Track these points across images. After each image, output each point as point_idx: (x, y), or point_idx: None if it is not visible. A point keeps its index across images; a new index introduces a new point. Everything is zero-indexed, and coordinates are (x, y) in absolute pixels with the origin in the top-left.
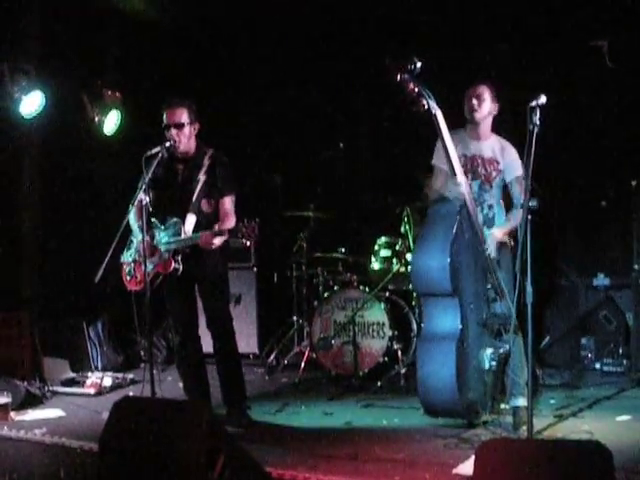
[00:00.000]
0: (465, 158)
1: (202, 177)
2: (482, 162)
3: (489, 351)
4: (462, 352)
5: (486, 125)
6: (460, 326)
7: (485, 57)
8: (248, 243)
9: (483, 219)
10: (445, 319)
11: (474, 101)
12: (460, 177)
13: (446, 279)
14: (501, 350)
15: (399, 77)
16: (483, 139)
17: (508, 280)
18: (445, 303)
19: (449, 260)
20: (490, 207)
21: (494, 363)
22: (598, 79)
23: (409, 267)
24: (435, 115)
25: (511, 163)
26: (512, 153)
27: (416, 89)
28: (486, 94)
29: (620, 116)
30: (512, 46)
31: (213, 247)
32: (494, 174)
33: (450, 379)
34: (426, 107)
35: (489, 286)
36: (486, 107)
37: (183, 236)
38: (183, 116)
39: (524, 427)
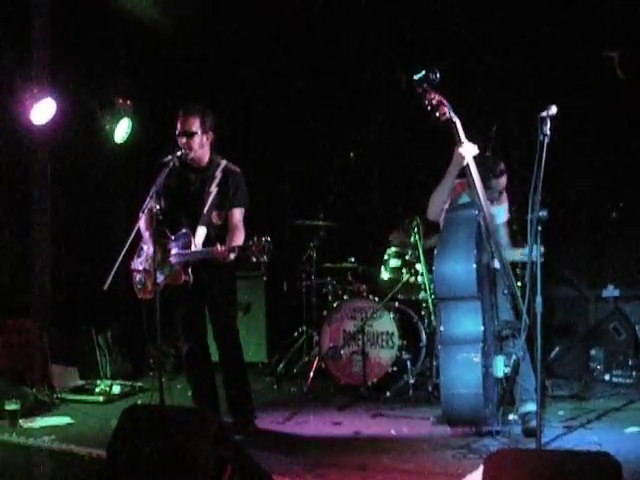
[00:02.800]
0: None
1: (214, 189)
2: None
3: (502, 358)
4: (485, 357)
5: None
6: (482, 329)
7: (496, 68)
8: (260, 261)
9: None
10: (467, 323)
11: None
12: (479, 186)
13: (472, 281)
14: (513, 357)
15: (419, 86)
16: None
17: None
18: (467, 307)
19: (475, 261)
20: None
21: (508, 370)
22: (609, 90)
23: (419, 277)
24: (455, 124)
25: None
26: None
27: (436, 98)
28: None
29: (631, 127)
30: (523, 57)
31: (228, 260)
32: (496, 194)
33: (476, 383)
34: (447, 116)
35: (506, 291)
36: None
37: (194, 249)
38: (195, 125)
39: (533, 422)
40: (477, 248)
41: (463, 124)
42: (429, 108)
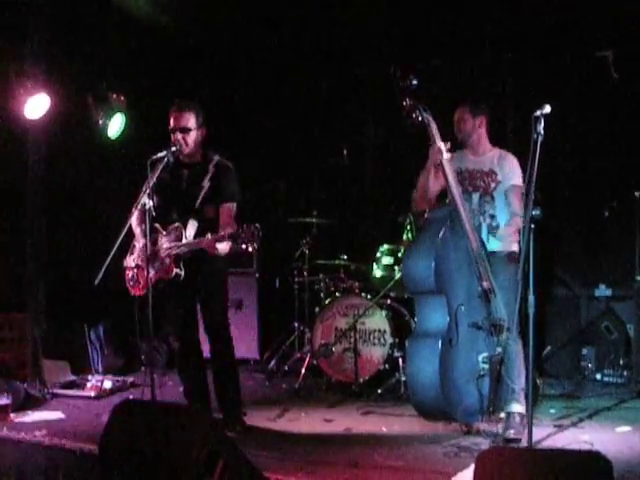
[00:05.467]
0: (468, 172)
1: (206, 184)
2: (481, 175)
3: (483, 355)
4: (448, 351)
5: (477, 141)
6: (446, 324)
7: (490, 67)
8: (250, 249)
9: (487, 228)
10: (432, 317)
11: (455, 127)
12: (454, 187)
13: (430, 276)
14: (495, 354)
15: (397, 92)
16: (481, 154)
17: (513, 288)
18: (433, 301)
19: (434, 257)
20: (492, 217)
21: (485, 366)
22: (603, 89)
23: None
24: (428, 127)
25: (508, 173)
26: (509, 163)
27: (409, 102)
28: (465, 114)
29: (625, 126)
30: (517, 56)
31: (216, 252)
32: (492, 185)
33: (433, 375)
34: (418, 120)
35: (479, 288)
36: (467, 126)
37: (184, 241)
38: (190, 121)
39: (512, 431)
40: (442, 244)
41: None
42: (403, 111)
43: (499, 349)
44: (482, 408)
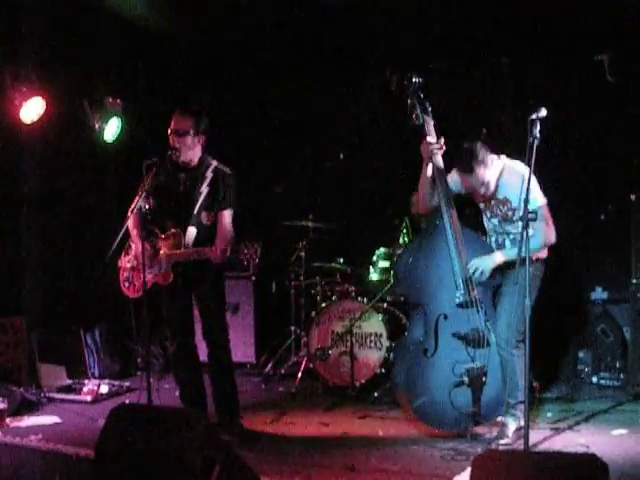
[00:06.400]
0: (484, 196)
1: (205, 189)
2: (497, 203)
3: (465, 366)
4: (421, 360)
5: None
6: (422, 334)
7: (486, 70)
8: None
9: (511, 242)
10: (413, 324)
11: (476, 185)
12: (441, 190)
13: (406, 287)
14: (477, 366)
15: (397, 91)
16: (495, 183)
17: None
18: (415, 311)
19: (408, 269)
20: (516, 234)
21: (466, 378)
22: (598, 93)
23: None
24: (425, 127)
25: (518, 199)
26: (515, 187)
27: (409, 102)
28: (482, 171)
29: (620, 130)
30: (513, 60)
31: (221, 261)
32: (510, 213)
33: (405, 382)
34: (417, 122)
35: (456, 300)
36: (487, 178)
37: (185, 249)
38: (188, 125)
39: (506, 439)
40: (421, 255)
41: (454, 127)
42: (407, 112)
43: (479, 362)
44: (459, 417)
